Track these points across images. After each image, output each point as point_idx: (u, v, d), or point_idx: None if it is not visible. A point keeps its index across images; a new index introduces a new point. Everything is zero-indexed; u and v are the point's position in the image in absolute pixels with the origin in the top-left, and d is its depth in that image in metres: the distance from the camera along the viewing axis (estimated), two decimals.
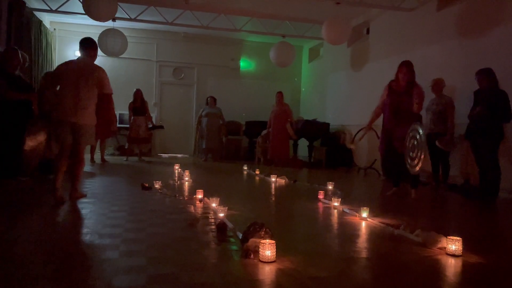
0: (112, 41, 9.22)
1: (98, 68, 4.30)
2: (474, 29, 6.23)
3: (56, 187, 4.10)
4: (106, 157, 9.02)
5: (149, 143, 9.89)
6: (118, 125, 9.58)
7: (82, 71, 4.18)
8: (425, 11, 7.34)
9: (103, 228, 3.11)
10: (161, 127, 10.15)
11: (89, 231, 3.05)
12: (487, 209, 4.73)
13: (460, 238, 2.66)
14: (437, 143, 5.85)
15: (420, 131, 4.60)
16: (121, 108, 9.49)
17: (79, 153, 4.27)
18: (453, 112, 5.96)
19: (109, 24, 9.08)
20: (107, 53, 9.46)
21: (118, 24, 9.43)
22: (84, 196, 4.41)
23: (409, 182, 5.16)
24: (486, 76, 5.04)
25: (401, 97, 4.93)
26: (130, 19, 9.29)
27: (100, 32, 9.23)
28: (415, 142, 4.62)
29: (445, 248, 2.70)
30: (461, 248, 2.64)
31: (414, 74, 4.95)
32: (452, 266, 2.51)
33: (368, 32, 9.41)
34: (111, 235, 2.91)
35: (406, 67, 4.92)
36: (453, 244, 2.65)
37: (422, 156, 4.51)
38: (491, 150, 4.93)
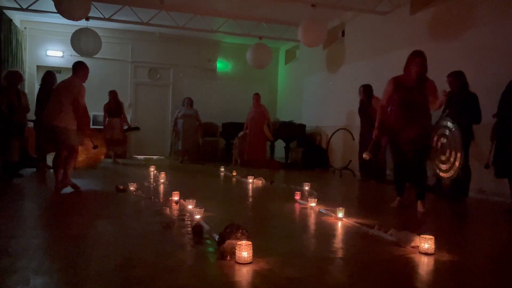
0: (86, 41, 9.02)
1: None
2: (446, 33, 6.40)
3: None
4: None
5: (125, 145, 9.72)
6: (92, 127, 9.42)
7: None
8: (398, 15, 7.49)
9: (76, 231, 3.03)
10: (137, 128, 9.99)
11: (62, 234, 2.96)
12: (458, 208, 4.86)
13: (432, 237, 2.72)
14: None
15: (450, 125, 4.10)
16: (95, 109, 9.30)
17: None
18: None
19: (82, 23, 8.89)
20: (80, 53, 9.25)
21: (91, 23, 9.23)
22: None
23: (415, 192, 4.53)
24: (456, 78, 5.18)
25: (411, 93, 4.26)
26: (104, 19, 9.12)
27: (73, 31, 9.03)
28: (445, 141, 4.08)
29: (418, 246, 2.75)
30: (433, 247, 2.70)
31: (427, 67, 4.30)
32: (424, 264, 2.56)
33: (343, 34, 9.54)
34: (84, 238, 2.84)
35: (420, 58, 4.25)
36: (426, 243, 2.70)
37: (459, 155, 3.97)
38: (466, 149, 5.05)
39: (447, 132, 4.04)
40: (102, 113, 9.17)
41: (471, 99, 5.03)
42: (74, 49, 9.22)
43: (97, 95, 9.27)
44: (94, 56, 9.60)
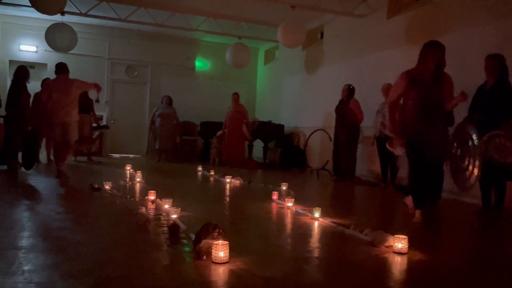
0: (61, 36, 8.82)
1: None
2: (421, 37, 6.51)
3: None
4: (52, 157, 8.60)
5: (93, 143, 9.48)
6: None
7: None
8: (376, 18, 7.61)
9: (48, 231, 2.96)
10: (106, 127, 9.82)
11: (32, 234, 2.89)
12: (432, 209, 4.96)
13: (406, 237, 2.78)
14: (387, 145, 6.07)
15: (473, 133, 3.91)
16: None
17: None
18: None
19: (58, 18, 8.69)
20: (55, 48, 9.05)
21: (67, 18, 9.03)
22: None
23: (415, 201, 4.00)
24: None
25: (430, 89, 3.79)
26: (80, 14, 8.93)
27: (48, 26, 8.81)
28: (467, 148, 3.80)
29: (392, 246, 2.80)
30: (407, 246, 2.76)
31: (445, 61, 3.83)
32: (398, 263, 2.61)
33: (322, 36, 9.63)
34: (56, 238, 2.77)
35: (439, 49, 3.79)
36: (399, 242, 2.76)
37: (477, 163, 3.74)
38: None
39: (469, 140, 3.78)
40: None
41: None
42: (49, 44, 9.01)
43: None
44: (70, 52, 9.40)
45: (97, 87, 6.06)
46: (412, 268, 2.54)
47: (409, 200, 4.13)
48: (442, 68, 3.81)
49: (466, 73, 5.60)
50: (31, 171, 6.31)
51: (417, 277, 2.40)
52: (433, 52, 3.80)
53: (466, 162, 3.78)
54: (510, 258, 3.00)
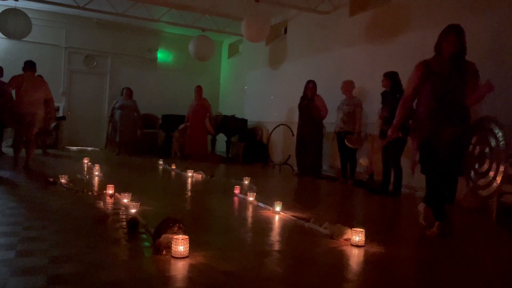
0: (14, 22, 8.39)
1: None
2: (382, 36, 6.71)
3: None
4: (4, 149, 8.21)
5: (50, 135, 9.13)
6: None
7: None
8: (338, 16, 7.73)
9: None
10: (63, 118, 9.46)
11: None
12: (389, 203, 5.14)
13: (363, 230, 2.86)
14: (346, 141, 6.23)
15: (497, 132, 3.24)
16: None
17: None
18: (361, 113, 6.37)
19: (11, 3, 8.25)
20: (8, 35, 8.60)
21: (21, 4, 8.60)
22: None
23: (432, 210, 3.50)
24: (390, 78, 5.46)
25: (447, 82, 3.32)
26: (35, 0, 8.51)
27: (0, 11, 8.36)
28: (487, 149, 3.08)
29: (350, 239, 2.88)
30: (364, 239, 2.84)
31: (466, 47, 3.33)
32: (355, 256, 2.69)
33: (286, 31, 9.69)
34: (7, 234, 2.65)
35: (455, 34, 3.29)
36: (357, 236, 2.84)
37: (502, 169, 3.07)
38: (399, 149, 5.34)
39: (491, 139, 3.01)
40: None
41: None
42: (1, 31, 8.55)
43: None
44: (23, 39, 8.96)
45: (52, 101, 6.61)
46: (368, 260, 2.62)
47: (422, 207, 3.67)
48: (461, 56, 3.31)
49: None
50: None
51: (373, 269, 2.48)
52: (448, 39, 3.31)
53: (486, 166, 2.98)
54: (463, 248, 3.15)
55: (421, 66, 3.43)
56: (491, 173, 2.93)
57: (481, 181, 3.13)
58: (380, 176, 5.74)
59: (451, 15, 5.35)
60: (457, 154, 3.39)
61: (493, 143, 3.04)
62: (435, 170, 3.39)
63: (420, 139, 3.49)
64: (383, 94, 5.63)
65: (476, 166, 3.01)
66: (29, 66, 6.33)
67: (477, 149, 3.09)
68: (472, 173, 3.13)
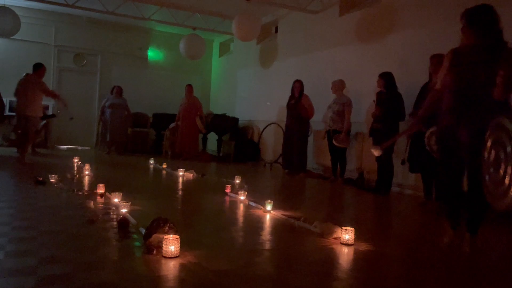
0: (2, 20, 8.29)
1: None
2: (371, 35, 6.75)
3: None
4: None
5: (39, 134, 9.04)
6: (7, 113, 8.73)
7: None
8: (328, 15, 7.77)
9: None
10: (53, 116, 9.39)
11: None
12: (379, 201, 5.19)
13: (353, 228, 2.89)
14: (333, 141, 6.29)
15: None
16: (10, 94, 8.58)
17: None
18: (349, 112, 6.41)
19: None
20: None
21: (9, 1, 8.50)
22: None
23: (464, 222, 3.10)
24: (384, 78, 5.50)
25: (474, 69, 2.83)
26: None
27: None
28: (502, 154, 2.50)
29: (339, 237, 2.90)
30: (354, 238, 2.87)
31: (500, 27, 2.83)
32: (345, 254, 2.71)
33: (276, 31, 9.70)
34: None
35: (485, 17, 2.85)
36: (347, 234, 2.86)
37: None
38: (390, 147, 5.38)
39: (507, 141, 2.44)
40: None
41: (396, 99, 5.39)
42: None
43: (14, 80, 8.54)
44: (12, 37, 8.86)
45: (57, 97, 7.28)
46: (357, 258, 2.64)
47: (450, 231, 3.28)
48: (494, 39, 2.79)
49: (412, 71, 5.87)
50: None
51: (362, 267, 2.51)
52: (475, 25, 2.84)
53: (502, 172, 2.50)
54: (454, 248, 3.19)
55: (452, 53, 3.02)
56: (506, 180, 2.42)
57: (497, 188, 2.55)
58: (369, 174, 5.80)
59: (440, 15, 5.41)
60: (476, 156, 2.76)
61: (508, 143, 2.46)
62: (452, 170, 2.98)
63: (437, 135, 3.18)
64: (379, 94, 5.67)
65: (492, 170, 2.54)
66: (33, 68, 6.76)
67: (493, 152, 2.56)
68: (489, 181, 2.60)
